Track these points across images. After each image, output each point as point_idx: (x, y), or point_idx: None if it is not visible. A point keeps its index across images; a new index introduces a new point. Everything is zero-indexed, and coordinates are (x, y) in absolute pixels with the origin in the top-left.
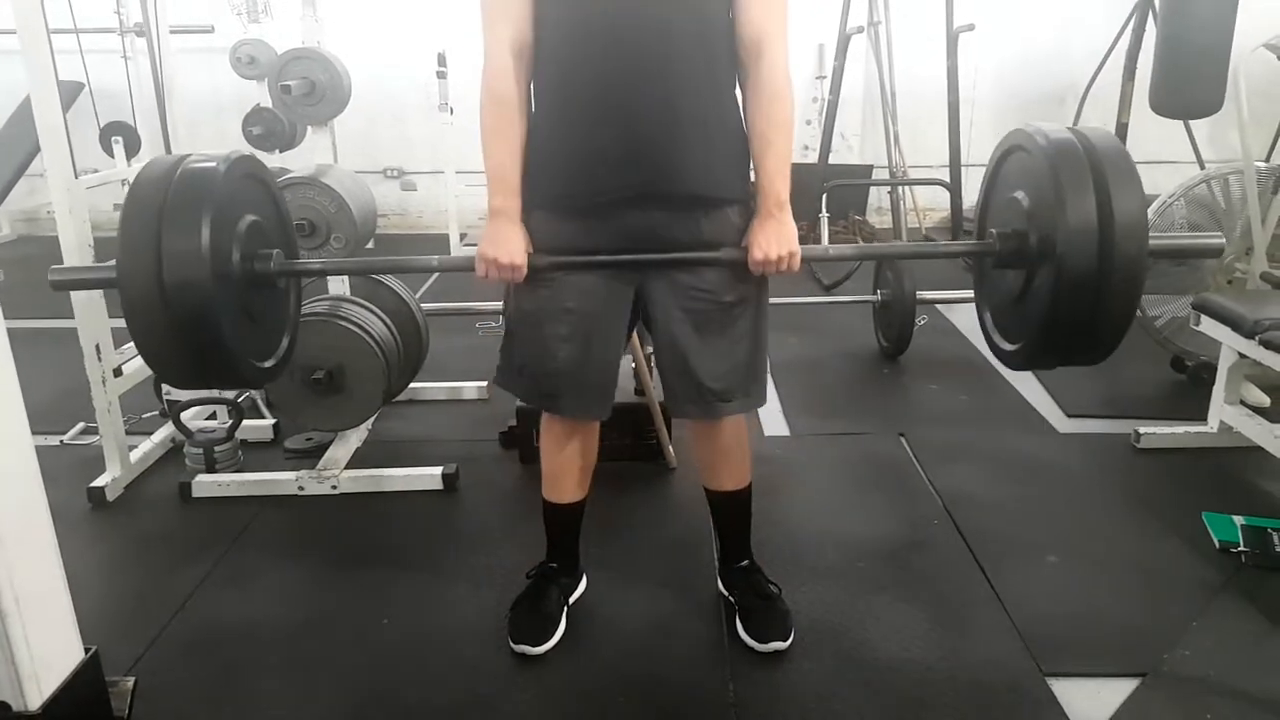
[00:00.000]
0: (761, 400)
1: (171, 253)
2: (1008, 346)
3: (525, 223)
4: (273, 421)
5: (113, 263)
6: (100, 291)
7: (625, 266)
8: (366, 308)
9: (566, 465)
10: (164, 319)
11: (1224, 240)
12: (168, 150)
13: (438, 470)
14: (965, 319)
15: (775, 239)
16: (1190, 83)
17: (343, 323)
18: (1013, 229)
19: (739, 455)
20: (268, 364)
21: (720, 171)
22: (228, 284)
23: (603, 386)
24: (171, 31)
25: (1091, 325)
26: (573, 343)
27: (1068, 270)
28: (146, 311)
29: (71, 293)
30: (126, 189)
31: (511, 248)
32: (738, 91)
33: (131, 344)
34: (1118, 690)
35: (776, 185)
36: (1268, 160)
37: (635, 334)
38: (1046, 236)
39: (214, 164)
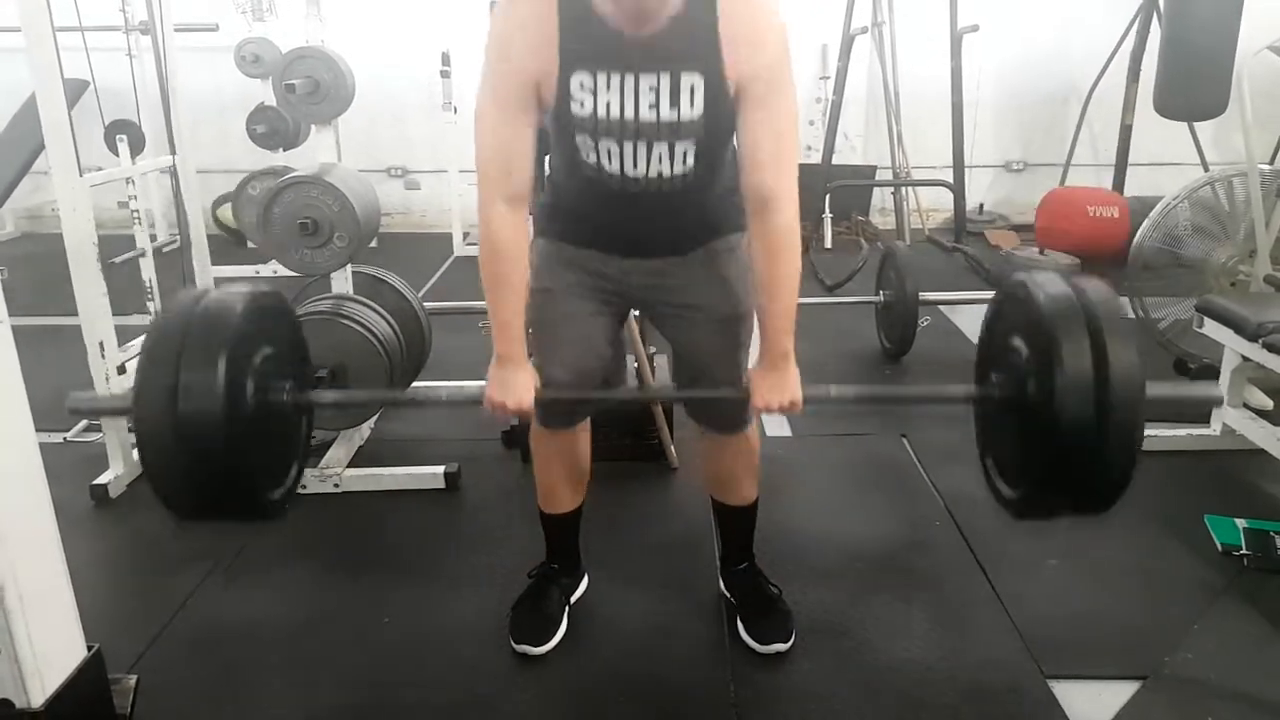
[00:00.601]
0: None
1: (187, 388)
2: (1010, 494)
3: (530, 249)
4: None
5: (129, 392)
6: (104, 289)
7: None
8: (370, 306)
9: (559, 477)
10: (176, 451)
11: (1223, 393)
12: (172, 149)
13: (440, 469)
14: (968, 320)
15: (778, 389)
16: (1194, 85)
17: (346, 321)
18: (1011, 377)
19: (750, 472)
20: (276, 495)
21: (717, 224)
22: (240, 418)
23: (589, 403)
24: (176, 29)
25: (1090, 477)
26: (566, 369)
27: (1065, 422)
28: (159, 442)
29: (76, 291)
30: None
31: (519, 392)
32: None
33: (135, 342)
34: (1119, 692)
35: (781, 339)
36: (1272, 163)
37: (637, 332)
38: (1043, 387)
39: (234, 301)
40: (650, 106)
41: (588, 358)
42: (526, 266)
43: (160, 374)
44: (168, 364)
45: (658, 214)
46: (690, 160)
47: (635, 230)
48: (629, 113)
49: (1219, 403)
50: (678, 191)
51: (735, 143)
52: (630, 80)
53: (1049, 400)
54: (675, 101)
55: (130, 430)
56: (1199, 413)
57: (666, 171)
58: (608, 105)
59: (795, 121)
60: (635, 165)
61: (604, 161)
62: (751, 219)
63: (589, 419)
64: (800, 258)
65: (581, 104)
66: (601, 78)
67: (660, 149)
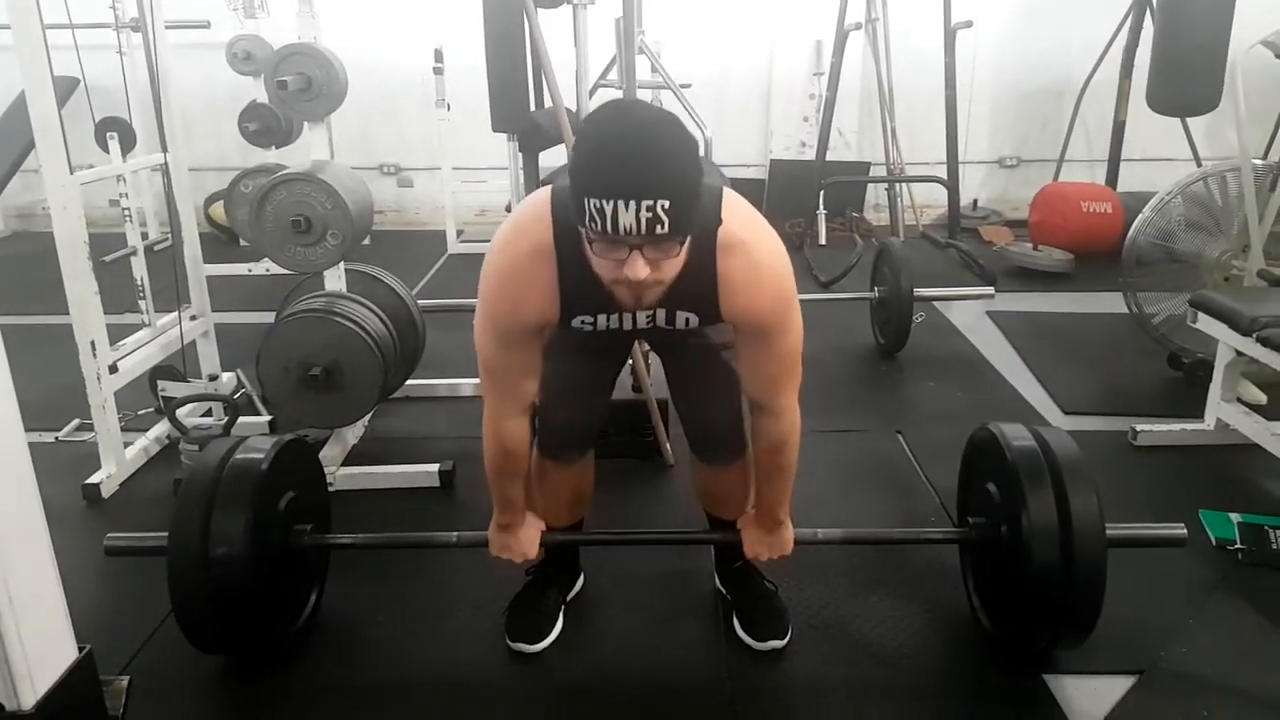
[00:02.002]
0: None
1: (218, 534)
2: (992, 627)
3: None
4: (269, 418)
5: (164, 535)
6: (95, 288)
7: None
8: (363, 304)
9: (558, 498)
10: (205, 590)
11: (1185, 532)
12: (163, 147)
13: (434, 467)
14: (962, 316)
15: (769, 546)
16: (1187, 80)
17: (339, 320)
18: (986, 520)
19: (744, 493)
20: (296, 626)
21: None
22: (263, 559)
23: (590, 433)
24: (167, 26)
25: (1061, 608)
26: (567, 409)
27: (1035, 561)
28: (190, 581)
29: (67, 289)
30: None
31: (524, 546)
32: None
33: (126, 340)
34: (1115, 687)
35: (776, 511)
36: (1265, 157)
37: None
38: (1014, 529)
39: (259, 456)
40: (648, 321)
41: (592, 397)
42: (528, 455)
43: (193, 522)
44: (200, 512)
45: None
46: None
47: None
48: (628, 329)
49: (1182, 543)
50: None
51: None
52: (629, 319)
53: (1019, 537)
54: (671, 321)
55: (120, 423)
56: (1165, 540)
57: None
58: (608, 325)
59: (797, 353)
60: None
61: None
62: (753, 417)
63: (592, 451)
64: (796, 453)
65: (583, 322)
66: (602, 317)
67: (655, 331)
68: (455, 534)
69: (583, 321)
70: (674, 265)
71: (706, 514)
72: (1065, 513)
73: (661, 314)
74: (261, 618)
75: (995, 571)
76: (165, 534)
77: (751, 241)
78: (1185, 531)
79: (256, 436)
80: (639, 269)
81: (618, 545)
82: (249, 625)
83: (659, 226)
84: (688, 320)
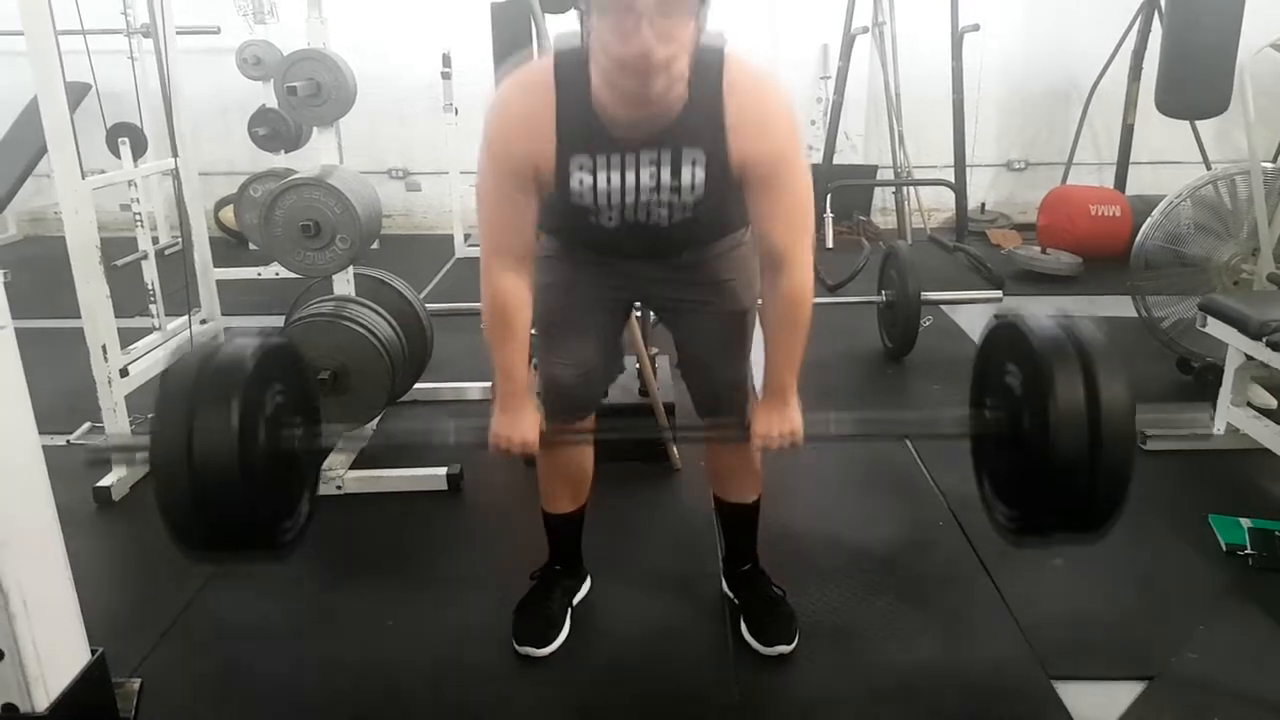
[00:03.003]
0: None
1: (202, 430)
2: (1007, 521)
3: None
4: None
5: (146, 439)
6: (107, 292)
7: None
8: (371, 308)
9: (561, 478)
10: (190, 492)
11: (1211, 417)
12: (174, 151)
13: (442, 471)
14: (970, 320)
15: (778, 422)
16: (1196, 83)
17: (347, 323)
18: (1006, 408)
19: (752, 469)
20: (288, 535)
21: (722, 233)
22: (252, 461)
23: (593, 398)
24: (178, 32)
25: (1084, 503)
26: (570, 364)
27: (1059, 453)
28: (174, 483)
29: (79, 293)
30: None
31: (524, 430)
32: None
33: (138, 344)
34: (1124, 693)
35: (785, 379)
36: (1275, 161)
37: (639, 333)
38: (1038, 419)
39: (246, 353)
40: (651, 178)
41: (592, 354)
42: (529, 319)
43: (176, 414)
44: (183, 405)
45: (662, 255)
46: (690, 214)
47: (637, 249)
48: (629, 188)
49: (1209, 423)
50: (683, 235)
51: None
52: (630, 157)
53: (1043, 430)
54: (676, 174)
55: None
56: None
57: (665, 224)
58: (607, 180)
59: (809, 197)
60: (635, 226)
61: (604, 221)
62: (765, 276)
63: (593, 418)
64: (810, 313)
65: (580, 182)
66: (600, 158)
67: (659, 212)
68: (451, 427)
69: (581, 168)
70: (684, 42)
71: (716, 501)
72: (1094, 397)
73: (667, 156)
74: (252, 519)
75: (1014, 462)
76: (145, 438)
77: (757, 80)
78: (1211, 417)
79: (240, 333)
80: (647, 37)
81: (617, 440)
82: (240, 527)
83: None
84: (694, 167)
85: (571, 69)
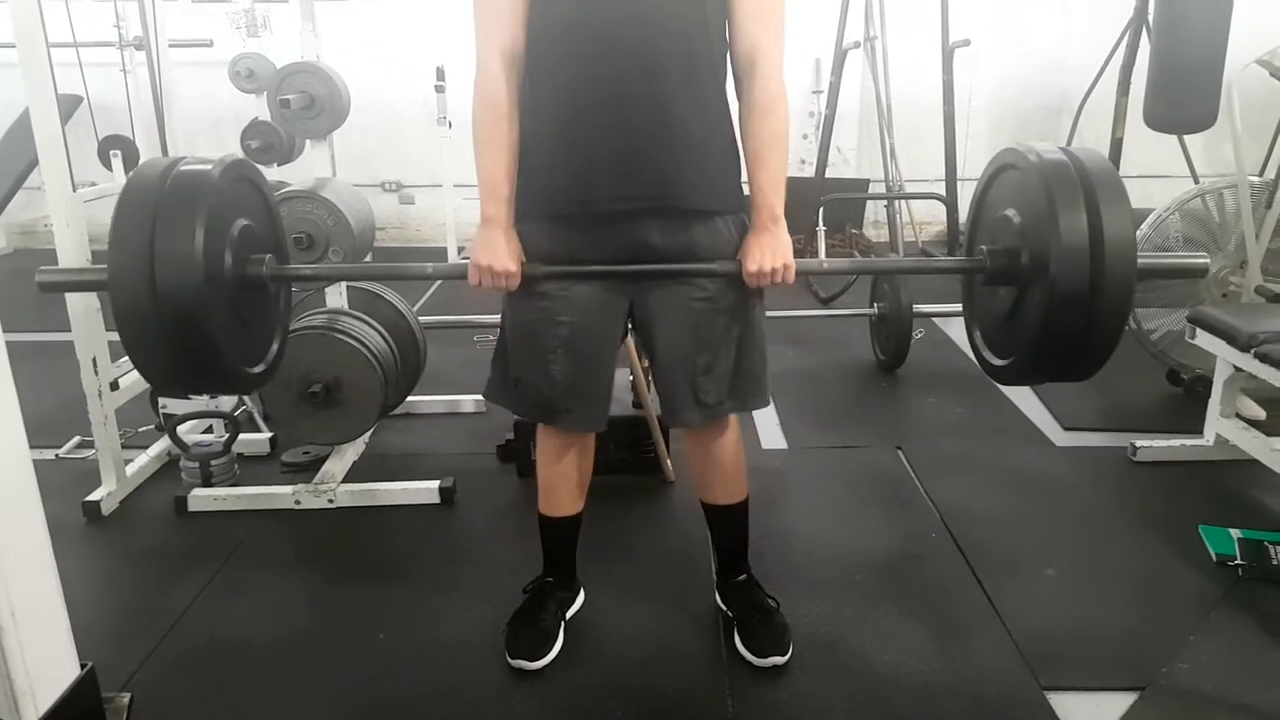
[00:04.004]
0: (763, 401)
1: (164, 256)
2: (998, 362)
3: (520, 233)
4: (269, 435)
5: (103, 266)
6: (97, 305)
7: (619, 277)
8: (364, 321)
9: (562, 478)
10: (155, 321)
11: (1208, 260)
12: None
13: (435, 484)
14: (962, 332)
15: (770, 251)
16: (1184, 98)
17: (340, 336)
18: (1004, 246)
19: (735, 468)
20: (257, 369)
21: (714, 183)
22: (219, 288)
23: (598, 398)
24: (171, 45)
25: (1082, 341)
26: (569, 356)
27: (1060, 288)
28: (137, 314)
29: (69, 306)
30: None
31: (505, 255)
32: (733, 104)
33: (128, 358)
34: (1116, 704)
35: (770, 199)
36: (1261, 174)
37: (634, 347)
38: (1039, 254)
39: (207, 167)
40: None
41: (597, 356)
42: (517, 126)
43: (135, 242)
44: (142, 232)
45: (650, 115)
46: (681, 57)
47: (626, 145)
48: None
49: (1204, 271)
50: (670, 65)
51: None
52: None
53: (1044, 263)
54: None
55: (121, 440)
56: (1189, 269)
57: (659, 60)
58: None
59: None
60: (628, 52)
61: (592, 36)
62: (739, 83)
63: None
64: (787, 121)
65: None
66: None
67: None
68: (430, 266)
69: None
70: None
71: (704, 507)
72: (1098, 234)
73: None
74: (220, 352)
75: (1008, 304)
76: (103, 266)
77: None
78: (1207, 259)
79: (197, 157)
80: None
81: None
82: (207, 360)
83: None
84: None
85: None
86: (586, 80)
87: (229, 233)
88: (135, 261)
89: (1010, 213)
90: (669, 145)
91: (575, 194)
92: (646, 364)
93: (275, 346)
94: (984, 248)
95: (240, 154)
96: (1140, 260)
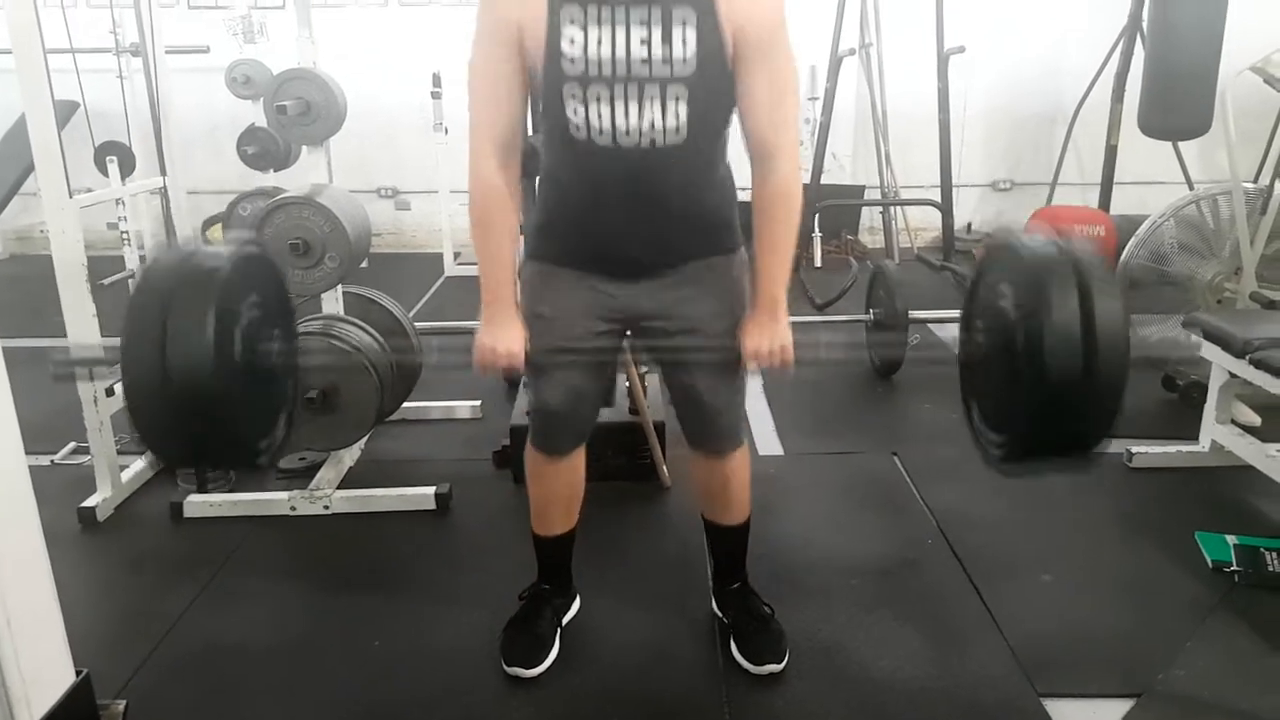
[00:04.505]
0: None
1: (176, 338)
2: (993, 438)
3: (520, 272)
4: None
5: (115, 341)
6: (93, 311)
7: (619, 352)
8: (360, 327)
9: (554, 498)
10: (164, 401)
11: (1201, 346)
12: (162, 170)
13: (430, 490)
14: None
15: (769, 336)
16: (1178, 104)
17: (336, 342)
18: (1000, 327)
19: (742, 492)
20: (264, 443)
21: (713, 236)
22: (229, 371)
23: (586, 424)
24: (167, 51)
25: (1075, 428)
26: (565, 388)
27: (1053, 373)
28: (149, 397)
29: (65, 313)
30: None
31: (509, 340)
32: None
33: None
34: (1113, 710)
35: (775, 289)
36: (1255, 181)
37: (630, 354)
38: (1033, 338)
39: (222, 254)
40: (641, 42)
41: (583, 383)
42: (515, 214)
43: (148, 323)
44: (155, 314)
45: (653, 203)
46: (683, 114)
47: (631, 228)
48: (620, 48)
49: (1198, 348)
50: (673, 164)
51: (736, 114)
52: (621, 12)
53: (1037, 346)
54: (667, 38)
55: (116, 446)
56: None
57: (659, 123)
58: (599, 41)
59: (795, 80)
60: (627, 116)
61: (594, 119)
62: (753, 170)
63: (584, 450)
64: (799, 211)
65: (572, 41)
66: (592, 10)
67: (652, 92)
68: (435, 343)
69: (572, 21)
70: None
71: (705, 522)
72: (1089, 319)
73: (657, 14)
74: (230, 431)
75: (1004, 384)
76: (117, 340)
77: None
78: (1201, 345)
79: (215, 246)
80: None
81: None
82: (216, 438)
83: None
84: (684, 27)
85: None
86: (587, 168)
87: (240, 316)
88: (148, 347)
89: (1005, 293)
90: (667, 222)
91: (575, 246)
92: (644, 370)
93: (282, 422)
94: (980, 325)
95: (241, 168)
96: (1135, 346)
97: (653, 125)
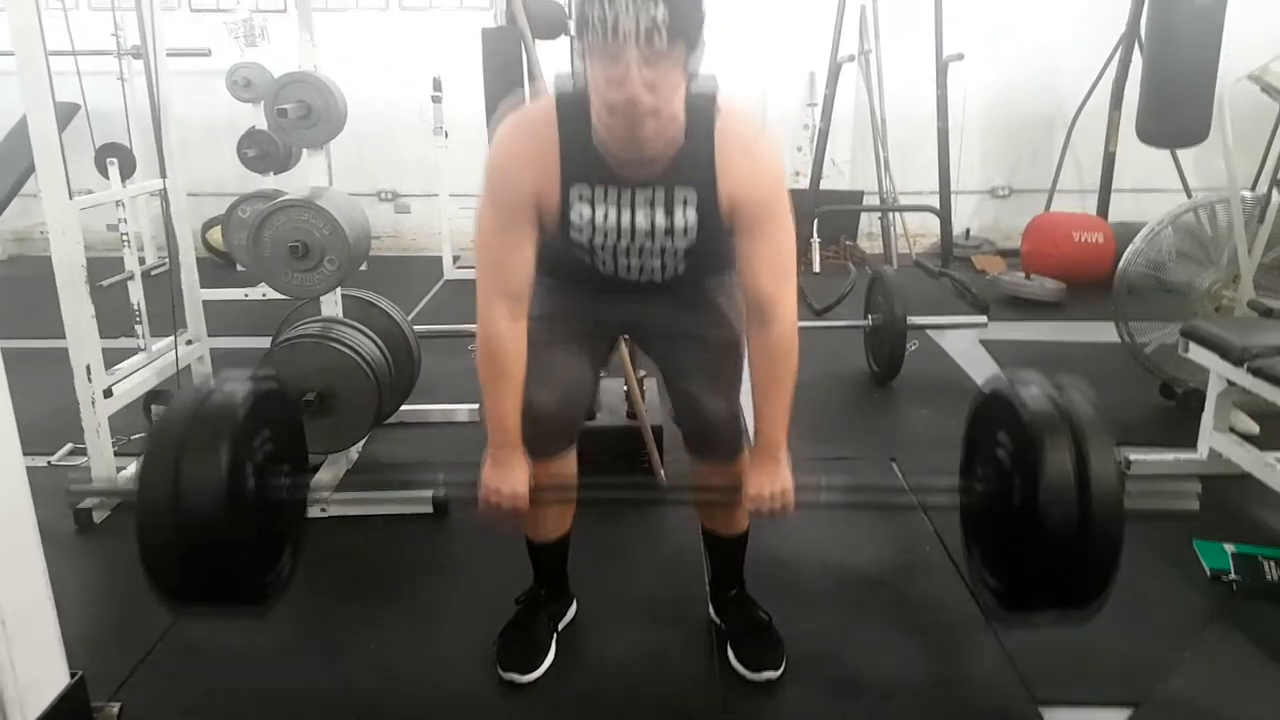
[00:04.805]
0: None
1: (189, 481)
2: (994, 585)
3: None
4: None
5: (132, 472)
6: (91, 312)
7: (614, 351)
8: (358, 329)
9: (544, 507)
10: (175, 538)
11: (1197, 505)
12: (163, 172)
13: (428, 494)
14: (956, 344)
15: (770, 481)
16: (1176, 112)
17: (335, 345)
18: (996, 476)
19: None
20: (269, 578)
21: (711, 270)
22: (239, 509)
23: (574, 424)
24: (168, 54)
25: (1073, 578)
26: (554, 394)
27: (1048, 524)
28: (158, 529)
29: (63, 313)
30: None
31: (514, 482)
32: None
33: (122, 365)
34: (1110, 719)
35: (776, 435)
36: (1253, 189)
37: (628, 358)
38: (1028, 488)
39: (236, 396)
40: (646, 220)
41: (573, 380)
42: (523, 363)
43: (163, 467)
44: (170, 457)
45: (654, 296)
46: (683, 267)
47: (632, 311)
48: (625, 223)
49: (1195, 493)
50: (675, 290)
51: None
52: (628, 194)
53: (1033, 498)
54: (669, 214)
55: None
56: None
57: (659, 274)
58: (605, 216)
59: (792, 247)
60: (630, 269)
61: (599, 265)
62: (750, 324)
63: (575, 449)
64: (796, 361)
65: (580, 215)
66: (600, 190)
67: (653, 251)
68: (441, 476)
69: (581, 198)
70: (670, 91)
71: (704, 530)
72: (1084, 473)
73: (661, 195)
74: (236, 570)
75: (1003, 536)
76: (133, 478)
77: (747, 125)
78: (1196, 505)
79: (232, 380)
80: (635, 85)
81: (608, 504)
82: (222, 578)
83: (656, 36)
84: (685, 205)
85: (573, 107)
86: (592, 282)
87: (251, 454)
88: (161, 491)
89: (1002, 442)
90: (675, 304)
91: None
92: (642, 374)
93: (287, 558)
94: (978, 474)
95: (241, 171)
96: (1128, 495)
97: (654, 271)
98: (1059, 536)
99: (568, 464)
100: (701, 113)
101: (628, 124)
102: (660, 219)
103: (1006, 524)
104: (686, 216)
